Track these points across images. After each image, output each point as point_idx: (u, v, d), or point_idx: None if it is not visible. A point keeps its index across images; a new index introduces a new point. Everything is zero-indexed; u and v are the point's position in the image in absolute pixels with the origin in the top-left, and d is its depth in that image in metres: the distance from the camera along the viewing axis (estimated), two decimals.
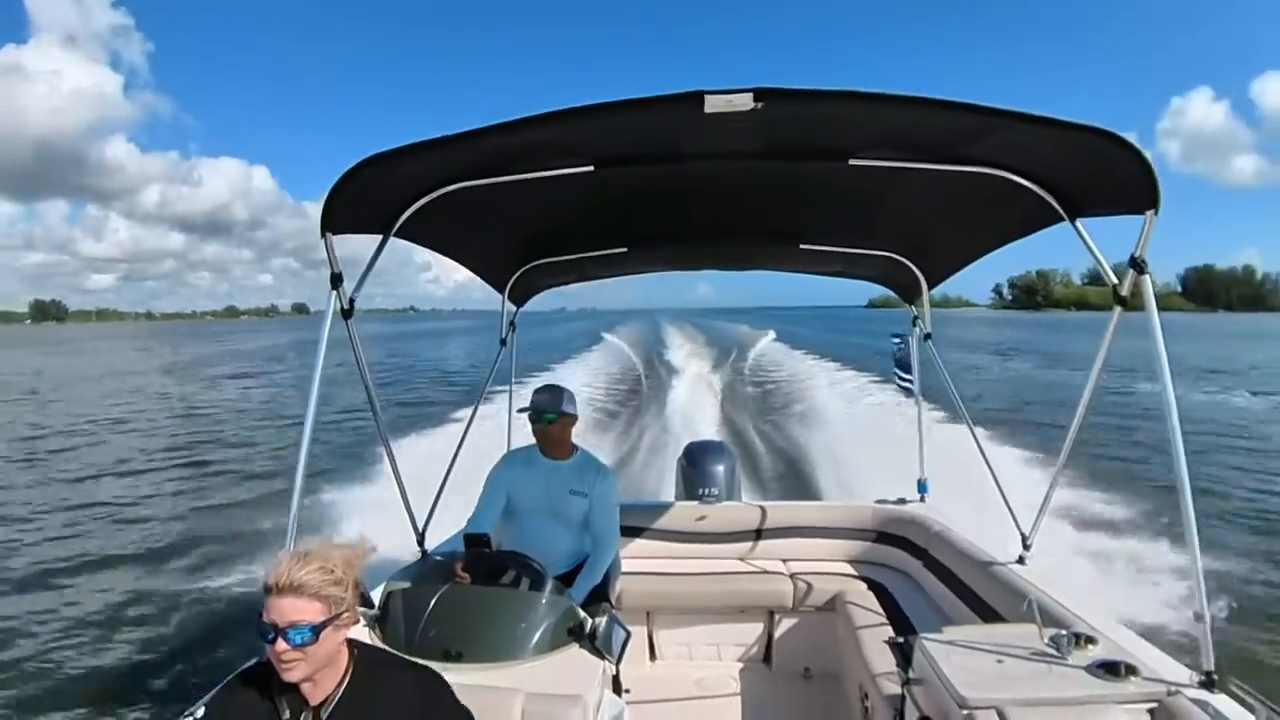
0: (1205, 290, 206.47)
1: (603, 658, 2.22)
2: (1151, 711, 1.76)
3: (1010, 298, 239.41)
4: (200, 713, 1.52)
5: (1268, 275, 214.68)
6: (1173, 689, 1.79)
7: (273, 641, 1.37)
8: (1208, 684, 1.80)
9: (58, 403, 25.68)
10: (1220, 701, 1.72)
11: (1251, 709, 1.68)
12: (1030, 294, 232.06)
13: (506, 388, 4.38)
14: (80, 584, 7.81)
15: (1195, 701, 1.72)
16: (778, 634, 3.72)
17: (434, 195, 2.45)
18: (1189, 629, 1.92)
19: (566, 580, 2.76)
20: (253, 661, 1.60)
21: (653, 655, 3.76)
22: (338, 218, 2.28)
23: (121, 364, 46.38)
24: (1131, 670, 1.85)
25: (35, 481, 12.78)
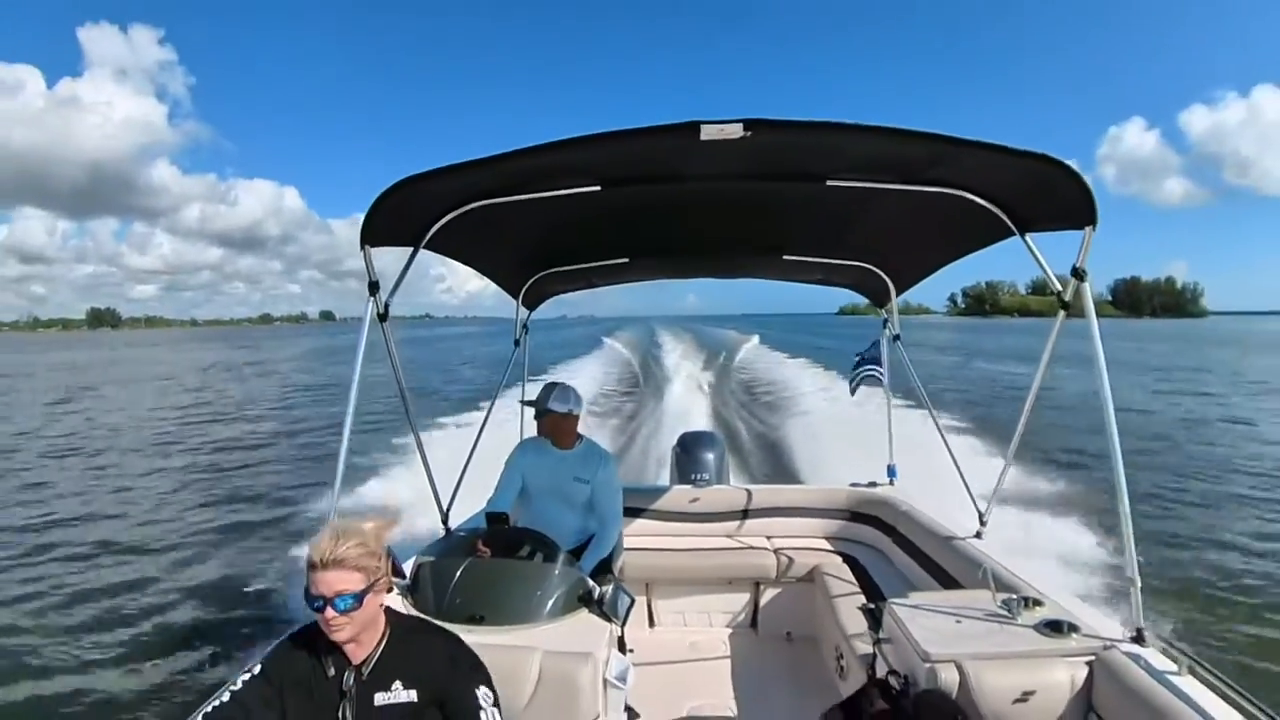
0: (1132, 299, 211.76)
1: (609, 621, 2.19)
2: (1089, 664, 1.77)
3: (963, 305, 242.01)
4: (257, 669, 1.53)
5: (1186, 285, 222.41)
6: (1108, 644, 1.80)
7: (322, 609, 1.39)
8: (1138, 639, 1.81)
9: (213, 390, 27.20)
10: (1149, 654, 1.73)
11: (1175, 660, 1.69)
12: (980, 302, 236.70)
13: (520, 383, 4.28)
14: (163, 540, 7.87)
15: (1127, 654, 1.73)
16: (763, 602, 3.67)
17: (459, 212, 2.40)
18: (1122, 591, 1.93)
19: (575, 555, 2.72)
20: (299, 626, 1.60)
21: (652, 621, 3.72)
22: (375, 232, 2.25)
23: (215, 360, 47.26)
24: (1072, 628, 1.86)
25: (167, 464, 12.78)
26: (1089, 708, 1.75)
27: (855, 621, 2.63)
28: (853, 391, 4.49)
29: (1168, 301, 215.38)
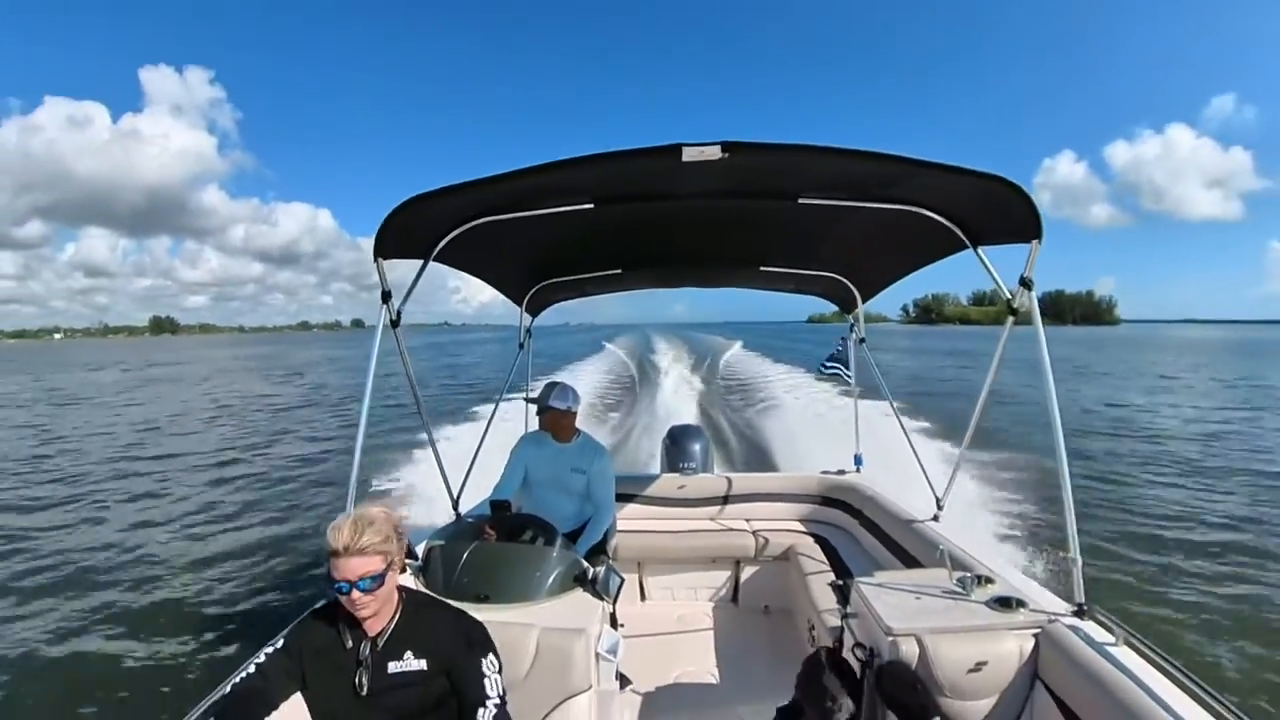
0: (1056, 309, 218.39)
1: (601, 599, 2.15)
2: (1036, 636, 1.73)
3: (914, 314, 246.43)
4: (280, 643, 1.50)
5: (1103, 298, 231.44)
6: (1052, 618, 1.76)
7: (347, 593, 1.37)
8: (1079, 613, 1.77)
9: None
10: (1089, 627, 1.70)
11: (1112, 632, 1.66)
12: (927, 311, 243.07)
13: (524, 383, 4.23)
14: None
15: (1070, 627, 1.70)
16: (743, 579, 3.62)
17: (465, 227, 2.34)
18: (1064, 569, 1.89)
19: (572, 538, 2.67)
20: (320, 603, 1.56)
21: (643, 597, 3.66)
22: (387, 246, 2.20)
23: (310, 358, 48.33)
24: (1020, 604, 1.82)
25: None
26: (1035, 676, 1.71)
27: (826, 597, 2.59)
28: (818, 378, 4.46)
29: (1087, 311, 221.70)
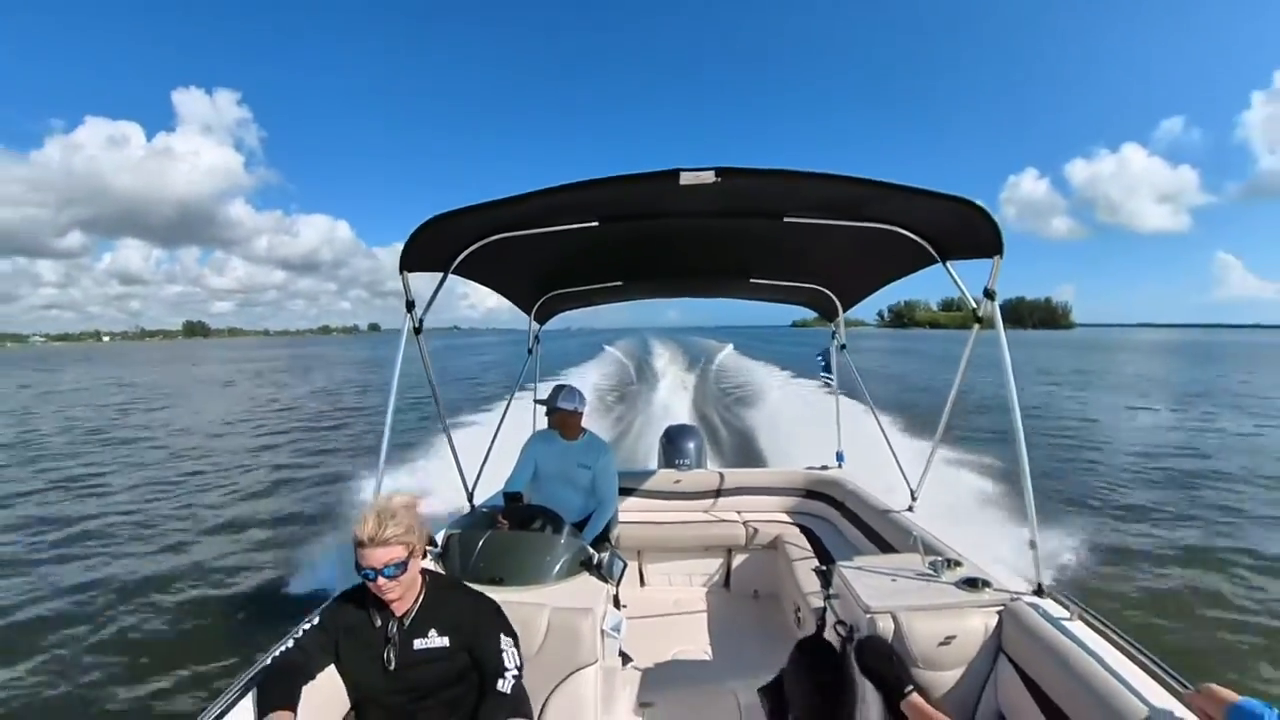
0: (1016, 314, 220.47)
1: (606, 582, 2.15)
2: (999, 613, 1.75)
3: (889, 319, 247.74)
4: (316, 620, 1.51)
5: (1058, 304, 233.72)
6: (1014, 596, 1.78)
7: (374, 580, 1.38)
8: (1038, 592, 1.79)
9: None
10: (1047, 605, 1.72)
11: (1068, 608, 1.68)
12: (900, 317, 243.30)
13: (533, 384, 4.23)
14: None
15: (1029, 604, 1.72)
16: (734, 565, 3.62)
17: (481, 243, 2.35)
18: (1025, 552, 1.90)
19: (579, 528, 2.67)
20: (351, 586, 1.56)
21: (642, 582, 3.66)
22: (411, 259, 2.22)
23: (366, 356, 48.50)
24: (985, 584, 1.84)
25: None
26: (999, 649, 1.73)
27: (810, 581, 2.61)
28: (822, 384, 4.56)
29: (1044, 317, 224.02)
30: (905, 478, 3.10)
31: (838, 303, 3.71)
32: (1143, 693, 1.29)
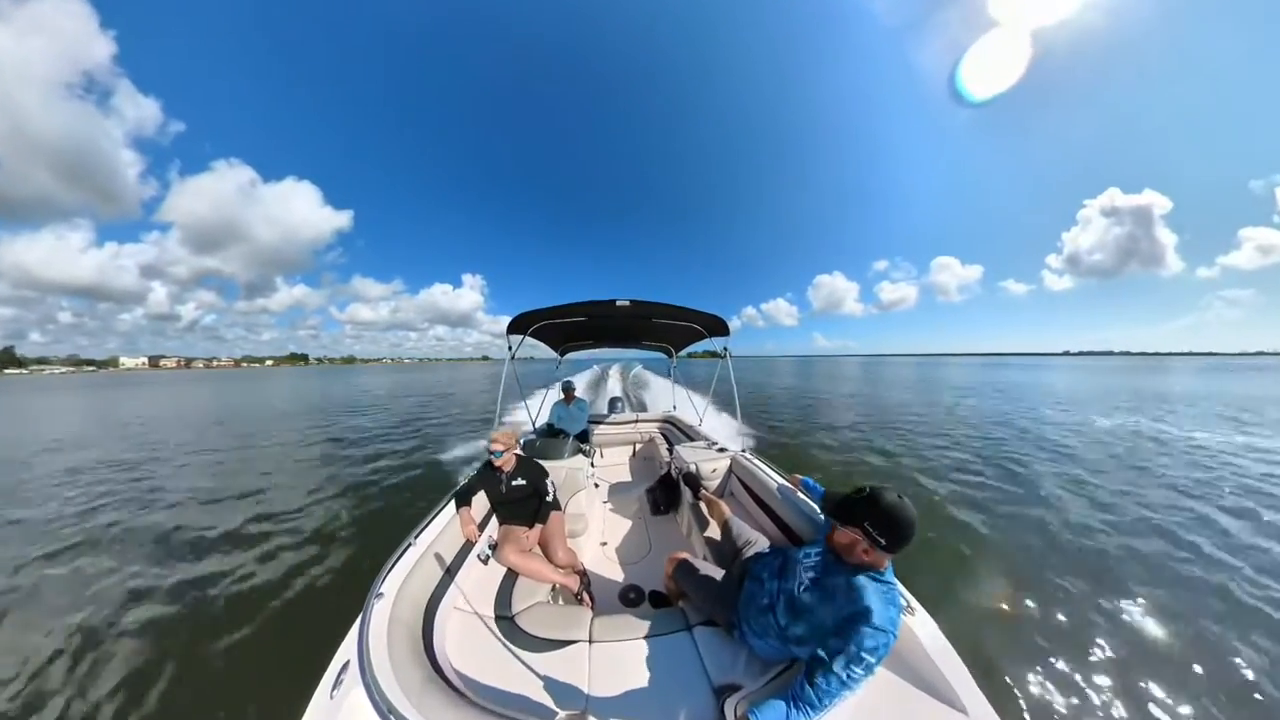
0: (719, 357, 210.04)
1: (588, 457, 4.06)
2: (730, 459, 3.04)
3: (699, 353, 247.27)
4: (475, 474, 2.70)
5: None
6: (735, 453, 3.44)
7: (499, 456, 2.64)
8: (743, 452, 3.10)
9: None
10: (748, 457, 3.08)
11: (757, 458, 3.07)
12: (693, 354, 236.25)
13: (555, 383, 6.27)
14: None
15: (738, 457, 3.24)
16: (638, 447, 5.69)
17: (542, 322, 3.77)
18: (739, 438, 3.17)
19: (579, 438, 4.89)
20: (483, 463, 2.81)
21: (601, 456, 5.54)
22: (511, 328, 3.71)
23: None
24: (724, 449, 3.50)
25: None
26: (730, 472, 3.30)
27: (666, 455, 4.74)
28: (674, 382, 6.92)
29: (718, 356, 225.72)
30: (697, 412, 5.34)
31: (674, 352, 5.62)
32: (781, 482, 2.76)
